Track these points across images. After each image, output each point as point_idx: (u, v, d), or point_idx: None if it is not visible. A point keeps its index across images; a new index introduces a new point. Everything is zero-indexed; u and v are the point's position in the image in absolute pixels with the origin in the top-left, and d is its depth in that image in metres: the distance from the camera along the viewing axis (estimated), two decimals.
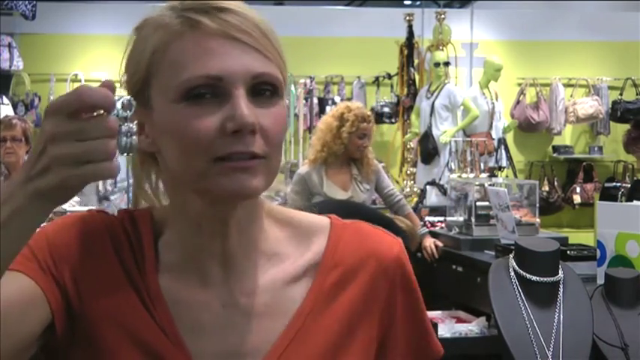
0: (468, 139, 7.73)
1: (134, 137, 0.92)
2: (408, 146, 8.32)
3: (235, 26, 0.99)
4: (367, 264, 1.11)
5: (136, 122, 0.93)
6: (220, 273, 1.07)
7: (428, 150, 7.76)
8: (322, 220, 1.14)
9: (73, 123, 0.86)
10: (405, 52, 8.37)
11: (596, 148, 9.68)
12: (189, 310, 1.06)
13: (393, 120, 9.05)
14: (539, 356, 2.31)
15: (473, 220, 4.70)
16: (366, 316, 1.10)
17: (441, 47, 8.24)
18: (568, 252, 3.38)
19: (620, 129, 8.95)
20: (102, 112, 0.88)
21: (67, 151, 0.85)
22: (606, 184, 4.23)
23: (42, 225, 0.94)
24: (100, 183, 7.64)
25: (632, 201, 3.43)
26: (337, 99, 9.40)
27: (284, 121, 1.02)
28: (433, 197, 6.62)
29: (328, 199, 4.23)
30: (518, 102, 9.45)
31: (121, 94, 0.91)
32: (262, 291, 1.07)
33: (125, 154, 0.91)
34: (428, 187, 6.78)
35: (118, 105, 0.91)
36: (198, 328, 1.06)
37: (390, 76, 9.08)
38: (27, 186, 0.88)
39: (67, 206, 5.00)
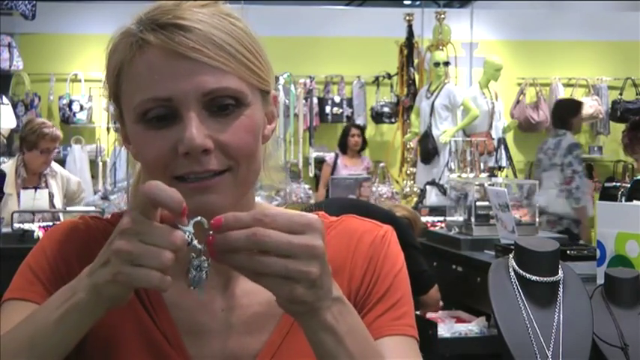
0: (468, 138, 7.73)
1: (205, 272, 0.89)
2: (408, 146, 8.32)
3: (183, 44, 0.96)
4: (349, 248, 1.11)
5: (210, 259, 0.89)
6: (217, 278, 1.07)
7: (428, 150, 7.76)
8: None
9: (144, 224, 0.85)
10: (405, 51, 8.37)
11: (595, 148, 9.68)
12: (189, 313, 1.06)
13: (393, 120, 9.05)
14: (539, 356, 2.31)
15: (473, 220, 4.70)
16: (350, 295, 1.09)
17: (440, 47, 8.23)
18: (568, 252, 3.37)
19: (619, 129, 8.94)
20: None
21: (127, 248, 0.85)
22: (606, 184, 4.22)
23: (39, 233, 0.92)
24: (100, 182, 7.64)
25: (631, 201, 3.43)
26: (337, 99, 9.41)
27: (251, 131, 1.00)
28: (433, 197, 6.62)
29: (335, 197, 4.18)
30: (518, 102, 9.45)
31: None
32: (259, 292, 1.07)
33: (192, 287, 0.89)
34: (428, 186, 6.78)
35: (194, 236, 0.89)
36: (198, 331, 1.06)
37: (389, 76, 9.08)
38: (89, 278, 0.88)
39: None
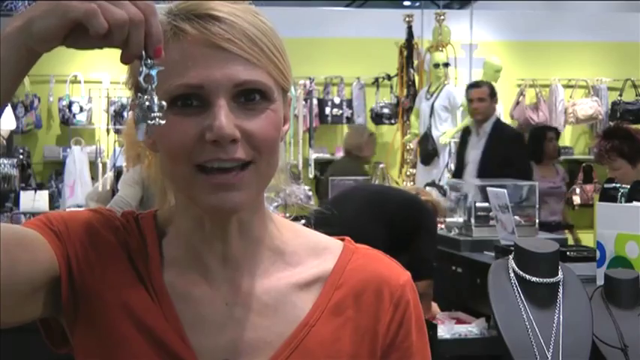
0: None
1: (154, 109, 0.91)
2: (408, 147, 8.32)
3: (219, 35, 0.99)
4: (372, 287, 1.11)
5: (156, 99, 0.92)
6: (224, 272, 1.08)
7: (427, 151, 7.76)
8: (336, 242, 1.15)
9: None
10: (405, 53, 8.36)
11: (595, 149, 9.68)
12: (193, 305, 1.07)
13: (393, 121, 9.05)
14: (538, 357, 2.31)
15: (472, 221, 4.70)
16: (366, 337, 1.09)
17: (440, 48, 8.23)
18: (568, 253, 3.38)
19: None
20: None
21: None
22: (606, 185, 4.22)
23: None
24: (100, 184, 7.62)
25: (631, 202, 3.43)
26: (337, 100, 9.41)
27: (275, 125, 1.02)
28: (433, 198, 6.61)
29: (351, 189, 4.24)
30: (517, 103, 9.45)
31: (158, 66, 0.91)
32: (266, 291, 1.08)
33: (140, 123, 0.91)
34: (427, 188, 6.77)
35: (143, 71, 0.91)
36: (201, 323, 1.06)
37: (389, 77, 9.08)
38: (25, 13, 0.90)
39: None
